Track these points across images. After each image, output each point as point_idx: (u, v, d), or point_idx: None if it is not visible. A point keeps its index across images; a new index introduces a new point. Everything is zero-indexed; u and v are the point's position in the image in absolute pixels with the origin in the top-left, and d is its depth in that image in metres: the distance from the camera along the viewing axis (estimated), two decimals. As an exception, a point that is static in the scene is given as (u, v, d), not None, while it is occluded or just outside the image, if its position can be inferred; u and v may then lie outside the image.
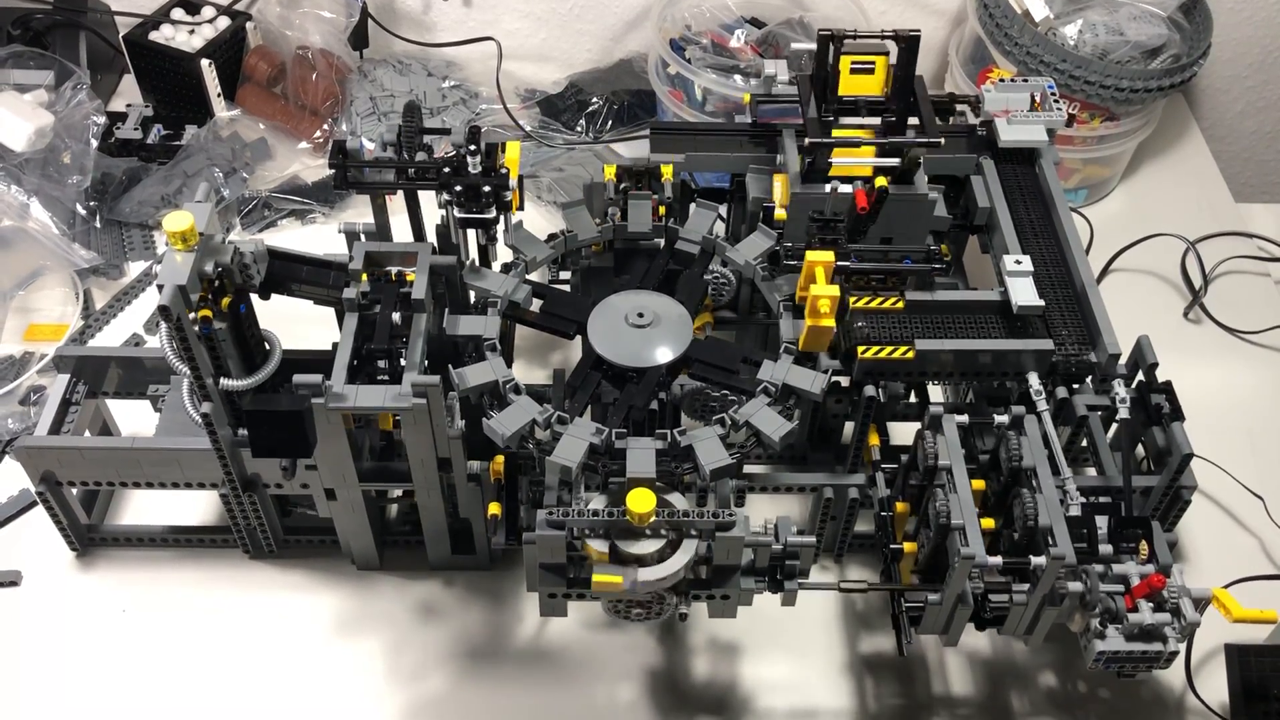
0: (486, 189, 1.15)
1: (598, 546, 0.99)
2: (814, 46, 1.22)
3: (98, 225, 1.62)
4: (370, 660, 1.23)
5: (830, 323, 1.09)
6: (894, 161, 1.21)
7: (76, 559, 1.30)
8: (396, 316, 1.10)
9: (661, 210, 1.26)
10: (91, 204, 1.62)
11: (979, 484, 1.12)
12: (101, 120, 1.63)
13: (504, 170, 1.18)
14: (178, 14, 1.79)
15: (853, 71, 1.21)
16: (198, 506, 1.34)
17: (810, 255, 1.11)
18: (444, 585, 1.29)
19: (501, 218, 1.21)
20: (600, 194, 1.30)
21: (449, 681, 1.22)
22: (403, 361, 1.12)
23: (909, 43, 1.18)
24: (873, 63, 1.21)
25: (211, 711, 1.19)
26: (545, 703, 1.20)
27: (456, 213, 1.16)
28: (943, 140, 1.20)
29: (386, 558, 1.30)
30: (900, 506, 1.16)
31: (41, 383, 1.43)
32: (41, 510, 1.24)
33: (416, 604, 1.27)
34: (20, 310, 1.52)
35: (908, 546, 1.14)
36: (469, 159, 1.16)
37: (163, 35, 1.76)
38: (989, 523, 1.10)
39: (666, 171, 1.29)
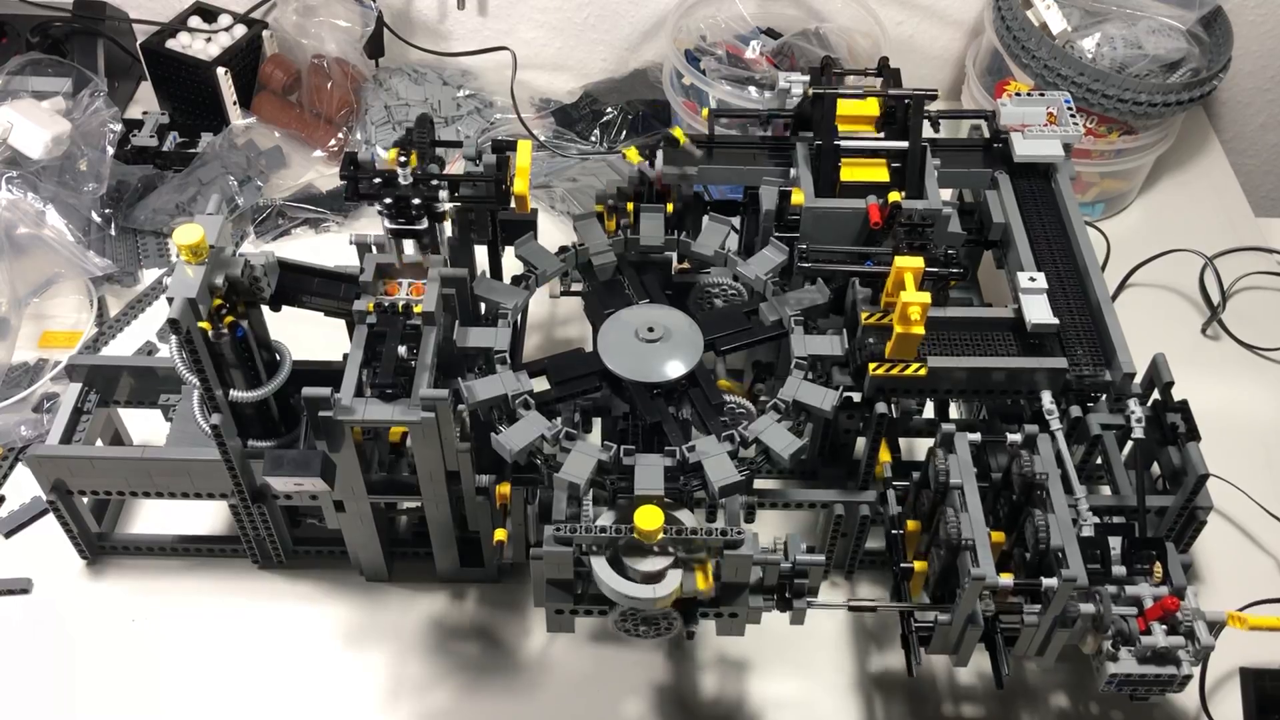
0: (417, 201, 1.14)
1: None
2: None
3: (113, 233, 1.63)
4: (377, 672, 1.23)
5: (920, 330, 1.08)
6: (902, 145, 1.22)
7: (87, 567, 1.30)
8: (403, 350, 1.10)
9: (669, 208, 1.27)
10: (107, 211, 1.63)
11: (998, 537, 1.10)
12: (118, 128, 1.64)
13: (435, 183, 1.15)
14: (195, 22, 1.80)
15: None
16: (207, 516, 1.34)
17: (899, 261, 1.10)
18: (452, 597, 1.29)
19: (436, 228, 1.18)
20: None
21: (456, 694, 1.21)
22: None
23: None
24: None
25: (218, 722, 1.19)
26: (552, 717, 1.20)
27: (387, 224, 1.15)
28: (938, 91, 1.23)
29: (395, 569, 1.30)
30: (911, 525, 1.15)
31: (55, 390, 1.44)
32: (52, 518, 1.25)
33: (424, 616, 1.27)
34: (35, 317, 1.53)
35: (918, 565, 1.13)
36: (400, 170, 1.14)
37: (179, 43, 1.77)
38: (999, 537, 1.09)
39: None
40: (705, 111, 1.36)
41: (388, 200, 1.12)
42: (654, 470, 1.02)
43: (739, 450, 1.05)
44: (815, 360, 1.13)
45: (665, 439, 1.08)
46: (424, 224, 1.13)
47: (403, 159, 1.13)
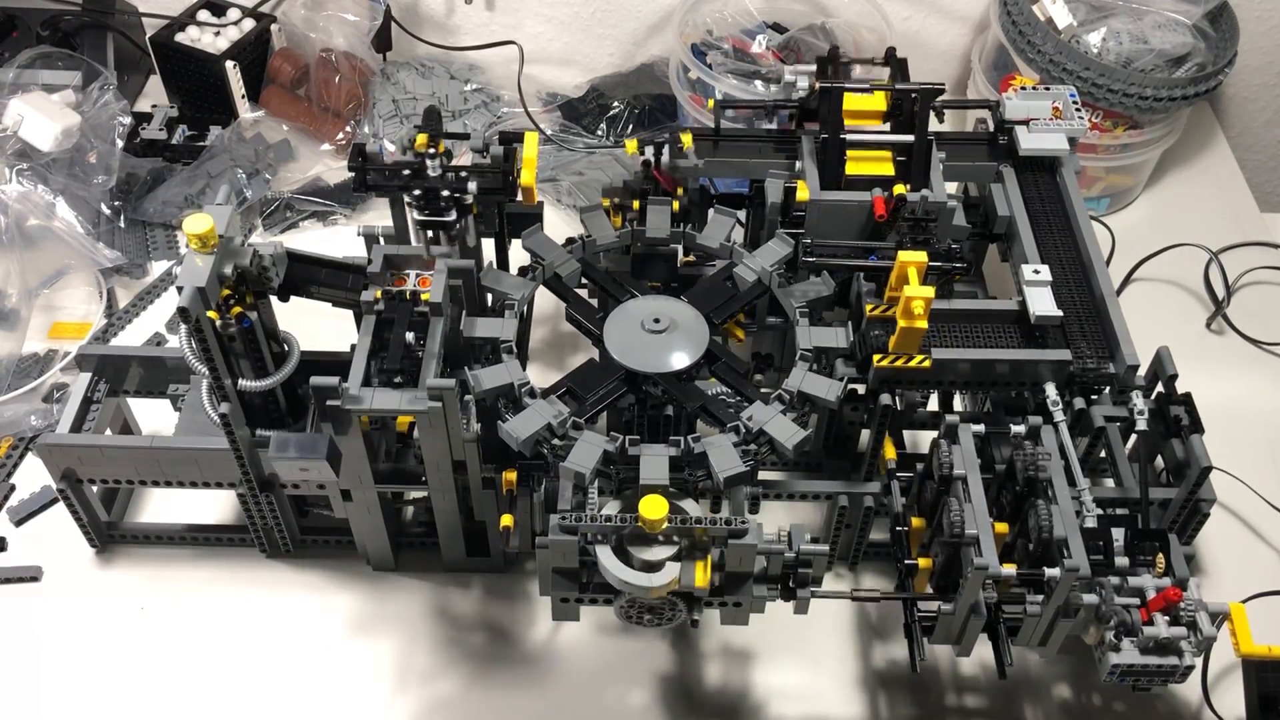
0: (445, 193, 1.14)
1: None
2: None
3: (122, 225, 1.64)
4: (383, 661, 1.24)
5: (924, 324, 1.09)
6: (908, 138, 1.22)
7: (96, 556, 1.31)
8: (410, 336, 1.10)
9: (675, 206, 1.26)
10: (116, 204, 1.64)
11: (1001, 528, 1.11)
12: (127, 121, 1.65)
13: (464, 175, 1.15)
14: (203, 16, 1.81)
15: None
16: (216, 505, 1.35)
17: (903, 255, 1.10)
18: (458, 587, 1.30)
19: (463, 220, 1.19)
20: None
21: (461, 683, 1.22)
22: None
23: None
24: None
25: (226, 709, 1.20)
26: (557, 706, 1.21)
27: (415, 215, 1.15)
28: (945, 86, 1.24)
29: (401, 559, 1.30)
30: (916, 522, 1.15)
31: (65, 380, 1.45)
32: (62, 507, 1.26)
33: (430, 605, 1.28)
34: (45, 308, 1.54)
35: (922, 562, 1.13)
36: (429, 162, 1.14)
37: (188, 37, 1.78)
38: (1003, 528, 1.09)
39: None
40: (711, 101, 1.36)
41: (416, 192, 1.12)
42: (659, 461, 1.03)
43: (744, 441, 1.05)
44: (820, 352, 1.14)
45: (670, 429, 1.08)
46: (452, 215, 1.14)
47: (431, 149, 1.13)
